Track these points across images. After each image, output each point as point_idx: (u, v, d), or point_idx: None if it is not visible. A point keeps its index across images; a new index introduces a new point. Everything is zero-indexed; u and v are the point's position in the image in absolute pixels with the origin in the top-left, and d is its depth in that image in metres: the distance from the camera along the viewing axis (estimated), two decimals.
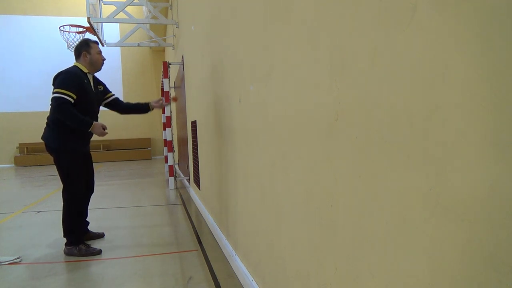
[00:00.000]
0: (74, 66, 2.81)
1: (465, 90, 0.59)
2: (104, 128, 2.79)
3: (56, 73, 2.72)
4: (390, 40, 0.76)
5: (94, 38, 6.58)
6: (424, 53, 0.67)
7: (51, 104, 2.65)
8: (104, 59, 2.94)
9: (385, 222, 0.80)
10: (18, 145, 11.96)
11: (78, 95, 2.68)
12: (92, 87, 2.89)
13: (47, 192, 5.96)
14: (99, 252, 2.77)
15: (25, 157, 11.57)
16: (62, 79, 2.65)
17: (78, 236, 2.81)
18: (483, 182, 0.56)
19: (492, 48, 0.54)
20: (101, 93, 3.04)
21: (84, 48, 2.83)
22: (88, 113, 2.78)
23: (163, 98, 3.14)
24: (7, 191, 6.54)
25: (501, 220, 0.53)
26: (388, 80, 0.77)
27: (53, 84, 2.68)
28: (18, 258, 2.71)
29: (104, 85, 3.10)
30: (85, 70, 2.83)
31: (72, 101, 2.65)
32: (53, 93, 2.63)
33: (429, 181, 0.67)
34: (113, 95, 3.18)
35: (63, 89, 2.62)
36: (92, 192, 3.12)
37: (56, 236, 3.26)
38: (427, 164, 0.67)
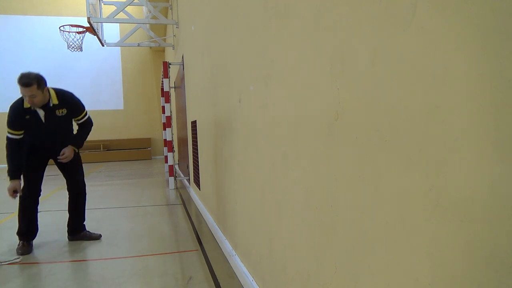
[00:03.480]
0: (19, 101, 2.78)
1: (465, 90, 0.59)
2: (15, 191, 2.77)
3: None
4: (390, 40, 0.76)
5: (94, 38, 6.59)
6: (424, 53, 0.67)
7: None
8: (34, 102, 2.69)
9: (385, 222, 0.80)
10: None
11: (23, 130, 2.79)
12: (42, 117, 2.81)
13: (47, 192, 5.96)
14: (24, 252, 2.82)
15: None
16: (7, 118, 2.76)
17: (22, 232, 2.94)
18: (483, 182, 0.56)
19: (492, 48, 0.54)
20: (64, 117, 2.91)
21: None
22: (43, 138, 2.90)
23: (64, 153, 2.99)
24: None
25: (501, 220, 0.53)
26: (388, 80, 0.77)
27: None
28: (18, 258, 2.71)
29: (71, 107, 2.94)
30: (26, 105, 2.75)
31: (19, 137, 2.78)
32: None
33: (429, 181, 0.67)
34: (81, 119, 3.05)
35: (9, 128, 2.76)
36: (75, 189, 3.13)
37: (56, 236, 3.27)
38: (427, 164, 0.67)
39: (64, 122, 2.96)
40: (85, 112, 3.07)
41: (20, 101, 2.77)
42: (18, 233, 2.93)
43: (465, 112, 0.59)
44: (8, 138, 2.77)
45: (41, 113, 2.82)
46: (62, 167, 3.07)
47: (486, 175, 0.56)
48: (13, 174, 2.74)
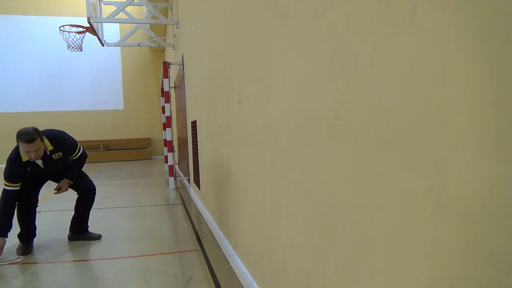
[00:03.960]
0: (15, 152, 2.75)
1: (465, 90, 0.59)
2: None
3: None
4: (390, 40, 0.76)
5: (94, 38, 6.59)
6: (424, 53, 0.67)
7: None
8: (36, 158, 2.68)
9: (385, 222, 0.80)
10: None
11: (23, 180, 2.79)
12: (41, 164, 2.83)
13: (47, 192, 5.95)
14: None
15: None
16: (5, 173, 2.73)
17: (24, 237, 2.94)
18: (483, 182, 0.56)
19: (492, 48, 0.54)
20: (61, 158, 2.91)
21: (17, 140, 2.66)
22: (43, 180, 3.02)
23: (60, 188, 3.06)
24: None
25: (501, 220, 0.54)
26: (388, 80, 0.77)
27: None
28: (19, 258, 2.71)
29: (64, 148, 2.92)
30: (24, 159, 2.73)
31: (17, 188, 2.76)
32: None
33: (429, 181, 0.67)
34: (76, 155, 3.06)
35: (7, 182, 2.73)
36: (86, 190, 3.17)
37: (56, 236, 3.27)
38: (427, 164, 0.67)
39: (61, 162, 2.98)
40: (78, 147, 3.07)
41: (17, 156, 2.73)
42: (19, 236, 2.93)
43: (465, 112, 0.59)
44: (5, 191, 2.73)
45: (39, 162, 2.81)
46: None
47: (486, 175, 0.56)
48: (1, 231, 2.70)
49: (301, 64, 1.20)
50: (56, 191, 3.02)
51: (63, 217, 3.47)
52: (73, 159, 3.07)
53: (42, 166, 2.83)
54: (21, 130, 2.64)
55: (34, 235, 3.04)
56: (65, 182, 3.04)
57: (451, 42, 0.61)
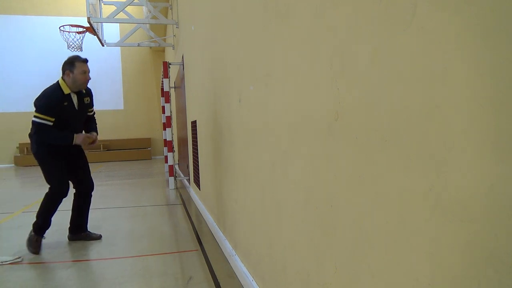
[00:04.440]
0: (56, 87, 2.85)
1: (465, 90, 0.59)
2: (88, 138, 2.86)
3: (39, 94, 2.81)
4: (390, 40, 0.76)
5: (94, 38, 6.59)
6: (424, 53, 0.67)
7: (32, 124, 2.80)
8: (89, 79, 2.93)
9: (385, 222, 0.80)
10: (18, 145, 11.96)
11: (57, 118, 2.79)
12: (76, 104, 2.92)
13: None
14: (33, 252, 2.80)
15: (25, 157, 11.57)
16: (41, 105, 2.75)
17: (43, 227, 2.92)
18: (483, 182, 0.56)
19: (492, 48, 0.54)
20: (87, 106, 3.06)
21: (67, 67, 2.86)
22: (73, 127, 2.93)
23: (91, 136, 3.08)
24: (7, 191, 6.53)
25: (501, 220, 0.53)
26: (388, 80, 0.77)
27: (35, 105, 2.78)
28: (19, 258, 2.71)
29: (91, 97, 3.10)
30: (66, 91, 2.85)
31: (51, 124, 2.77)
32: (34, 116, 2.75)
33: (429, 181, 0.67)
34: (92, 111, 3.19)
35: (41, 114, 2.75)
36: (88, 188, 3.13)
37: (56, 236, 3.26)
38: (427, 164, 0.67)
39: (86, 110, 3.07)
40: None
41: (58, 87, 2.83)
42: (37, 228, 2.90)
43: (465, 112, 0.59)
44: (38, 124, 2.74)
45: (75, 100, 2.91)
46: (79, 166, 3.09)
47: (486, 175, 0.56)
48: (67, 137, 2.80)
49: (301, 64, 1.20)
50: (91, 142, 3.05)
51: (63, 217, 3.45)
52: (89, 115, 3.16)
53: (76, 107, 2.91)
54: (70, 56, 2.91)
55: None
56: (95, 134, 3.11)
57: (451, 42, 0.61)
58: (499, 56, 0.53)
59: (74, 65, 2.85)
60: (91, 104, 3.13)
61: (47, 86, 2.89)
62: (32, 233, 2.88)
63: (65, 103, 2.84)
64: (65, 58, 3.00)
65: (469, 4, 0.57)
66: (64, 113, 2.83)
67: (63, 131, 2.84)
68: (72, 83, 2.87)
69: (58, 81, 2.89)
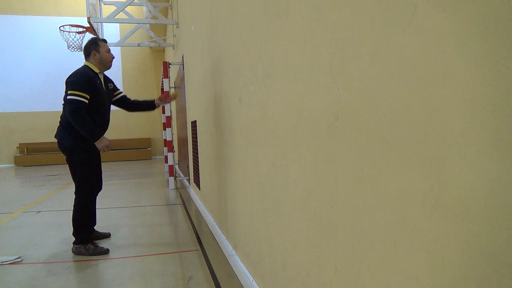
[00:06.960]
0: (85, 67, 2.83)
1: (465, 90, 0.59)
2: (109, 145, 2.81)
3: (69, 75, 2.75)
4: (390, 40, 0.76)
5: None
6: (424, 53, 0.67)
7: (63, 104, 2.73)
8: (113, 57, 2.98)
9: (385, 222, 0.80)
10: (18, 145, 11.95)
11: (92, 96, 2.73)
12: (103, 86, 2.93)
13: (47, 192, 5.96)
14: (106, 251, 2.79)
15: (25, 157, 11.57)
16: (76, 81, 2.67)
17: (87, 235, 2.84)
18: (483, 182, 0.56)
19: (492, 48, 0.54)
20: (111, 91, 3.08)
21: (93, 47, 2.85)
22: (101, 112, 2.86)
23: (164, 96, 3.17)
24: (7, 191, 6.53)
25: (501, 220, 0.54)
26: (388, 80, 0.77)
27: (66, 85, 2.71)
28: (19, 258, 2.71)
29: (113, 83, 3.13)
30: (96, 70, 2.85)
31: (87, 101, 2.69)
32: (68, 94, 2.65)
33: (429, 181, 0.67)
34: (121, 92, 3.23)
35: (77, 91, 2.65)
36: (99, 189, 3.11)
37: (56, 236, 3.27)
38: (427, 164, 0.67)
39: (112, 98, 3.10)
40: None
41: (88, 67, 2.82)
42: (82, 239, 2.79)
43: (465, 112, 0.59)
44: (73, 101, 2.62)
45: (103, 82, 2.94)
46: (98, 166, 3.08)
47: (486, 175, 0.56)
48: (96, 133, 2.72)
49: (301, 64, 1.20)
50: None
51: (63, 217, 3.47)
52: (120, 96, 3.22)
53: (104, 88, 2.92)
54: (90, 39, 2.91)
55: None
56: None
57: (451, 42, 0.61)
58: (499, 56, 0.53)
59: (99, 44, 2.86)
60: (115, 88, 3.16)
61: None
62: (84, 247, 2.77)
63: (98, 81, 2.82)
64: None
65: (469, 4, 0.57)
66: (97, 93, 2.77)
67: (95, 122, 2.76)
68: (100, 63, 2.87)
69: (84, 64, 2.85)
